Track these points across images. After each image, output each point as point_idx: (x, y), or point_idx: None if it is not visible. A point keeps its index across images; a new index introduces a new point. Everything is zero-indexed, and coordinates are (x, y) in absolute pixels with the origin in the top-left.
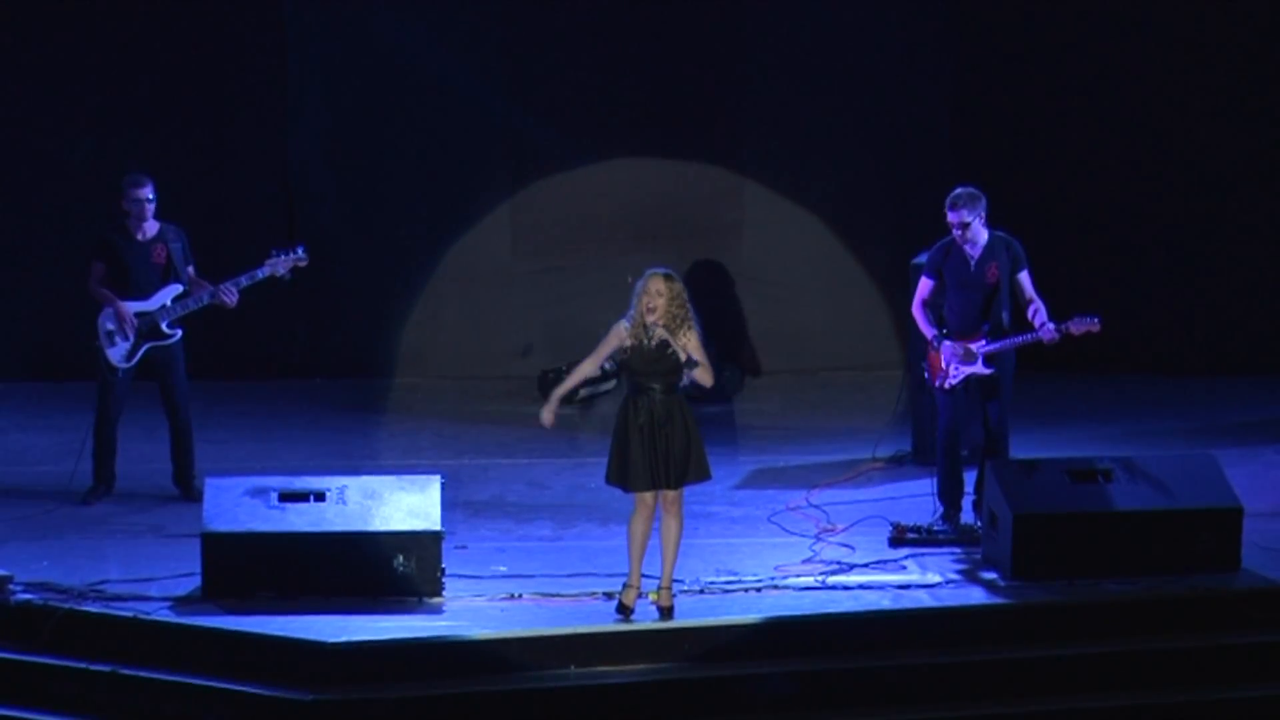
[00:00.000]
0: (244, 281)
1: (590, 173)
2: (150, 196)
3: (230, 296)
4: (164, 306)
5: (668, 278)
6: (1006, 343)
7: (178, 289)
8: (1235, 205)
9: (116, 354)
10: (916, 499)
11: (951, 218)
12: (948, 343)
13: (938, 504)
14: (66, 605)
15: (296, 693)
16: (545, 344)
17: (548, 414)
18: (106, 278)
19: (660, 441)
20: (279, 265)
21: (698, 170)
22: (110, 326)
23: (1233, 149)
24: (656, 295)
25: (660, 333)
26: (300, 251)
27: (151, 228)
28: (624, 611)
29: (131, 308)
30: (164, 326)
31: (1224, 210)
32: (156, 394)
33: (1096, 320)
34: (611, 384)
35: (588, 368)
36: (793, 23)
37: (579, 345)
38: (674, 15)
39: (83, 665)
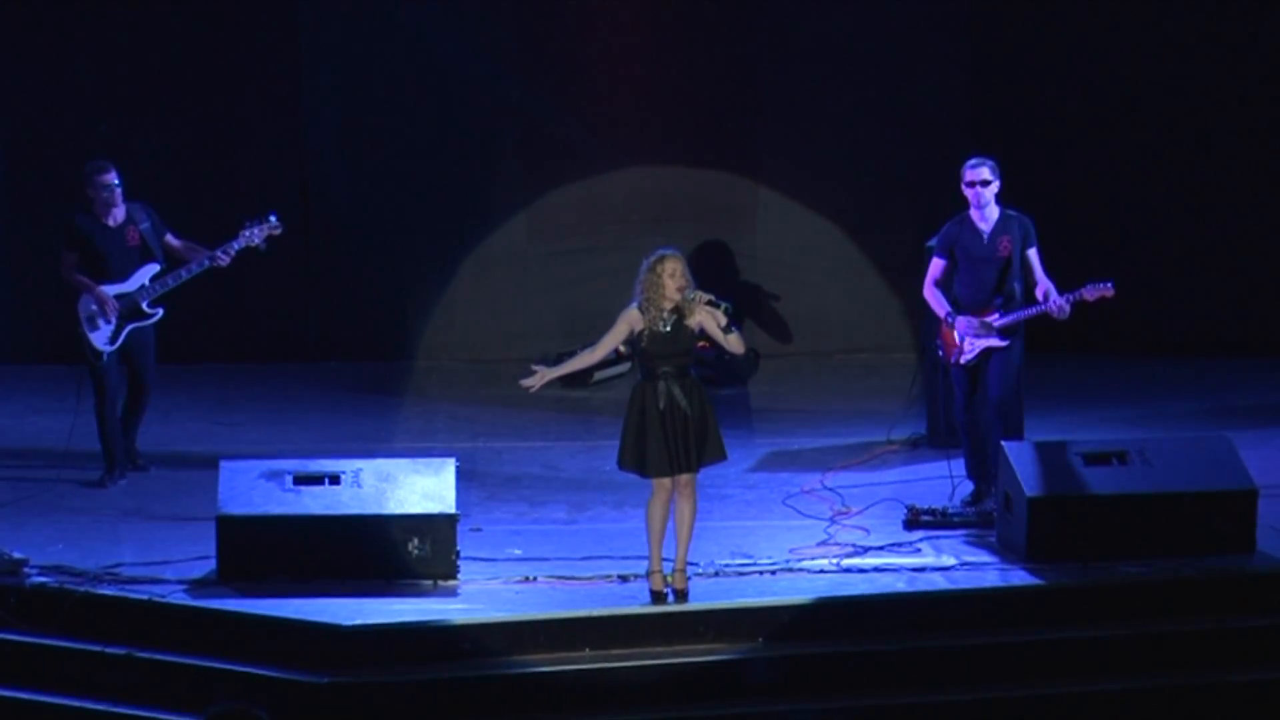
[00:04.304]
0: (233, 249)
1: (604, 156)
2: (118, 182)
3: (223, 260)
4: (143, 286)
5: (679, 258)
6: (1021, 314)
7: (155, 268)
8: (1251, 186)
9: (100, 338)
10: (931, 482)
11: (970, 175)
12: (961, 317)
13: (968, 482)
14: (82, 588)
15: (311, 675)
16: (560, 327)
17: (532, 381)
18: (81, 265)
19: (679, 425)
20: (254, 235)
21: (712, 153)
22: (92, 310)
23: (1245, 131)
24: (681, 276)
25: (700, 294)
26: (273, 219)
27: (120, 211)
28: (658, 598)
29: (110, 290)
30: (144, 306)
31: (1239, 191)
32: (165, 377)
33: (1109, 285)
34: (626, 366)
35: (594, 356)
36: (810, 6)
37: (594, 328)
38: (689, 0)
39: (98, 648)
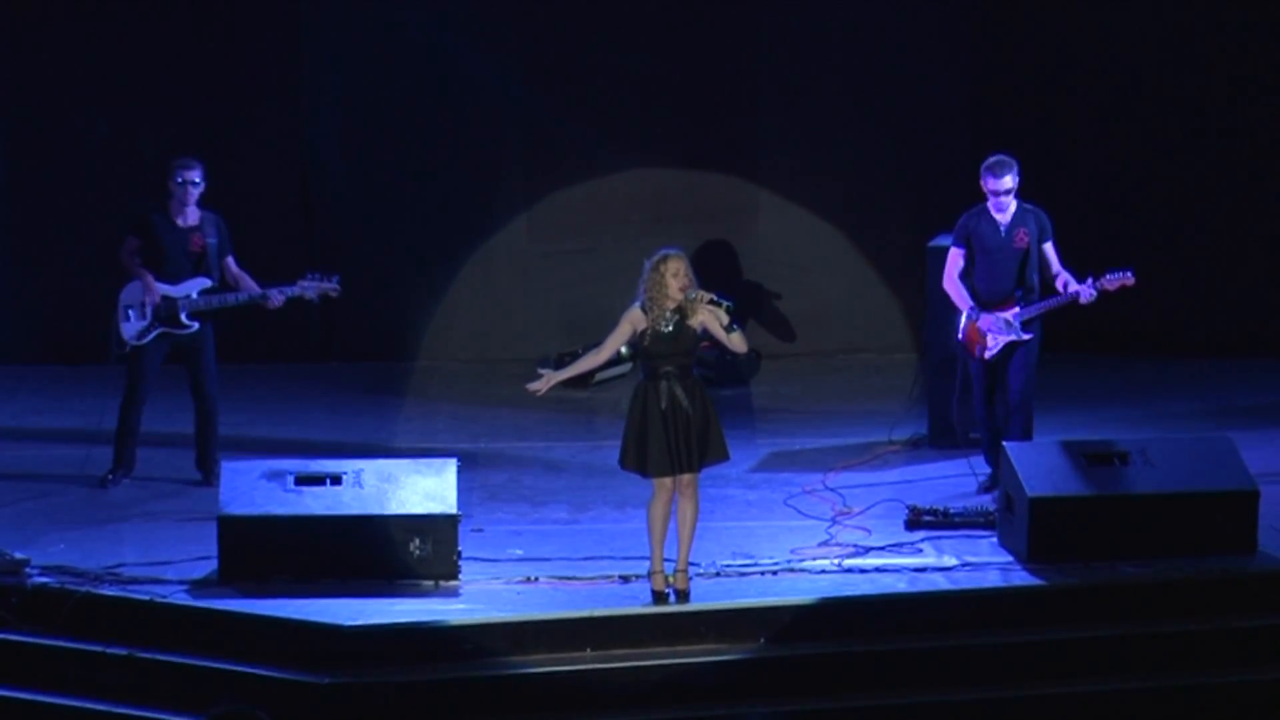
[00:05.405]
0: (287, 292)
1: (605, 156)
2: (198, 180)
3: (276, 301)
4: (188, 296)
5: (683, 257)
6: (1042, 306)
7: (205, 283)
8: (1251, 185)
9: (130, 330)
10: (933, 482)
11: (993, 184)
12: (987, 315)
13: (986, 466)
14: (83, 588)
15: (312, 676)
16: (562, 327)
17: (538, 385)
18: (139, 254)
19: (681, 425)
20: (310, 289)
21: (713, 153)
22: (129, 300)
23: (1246, 131)
24: (684, 276)
25: (702, 293)
26: (335, 280)
27: (193, 214)
28: (659, 599)
29: (159, 289)
30: (183, 316)
31: (1239, 190)
32: (178, 379)
33: (1130, 273)
34: (627, 367)
35: (599, 357)
36: (809, 5)
37: (594, 329)
38: (690, 1)
39: (99, 648)
